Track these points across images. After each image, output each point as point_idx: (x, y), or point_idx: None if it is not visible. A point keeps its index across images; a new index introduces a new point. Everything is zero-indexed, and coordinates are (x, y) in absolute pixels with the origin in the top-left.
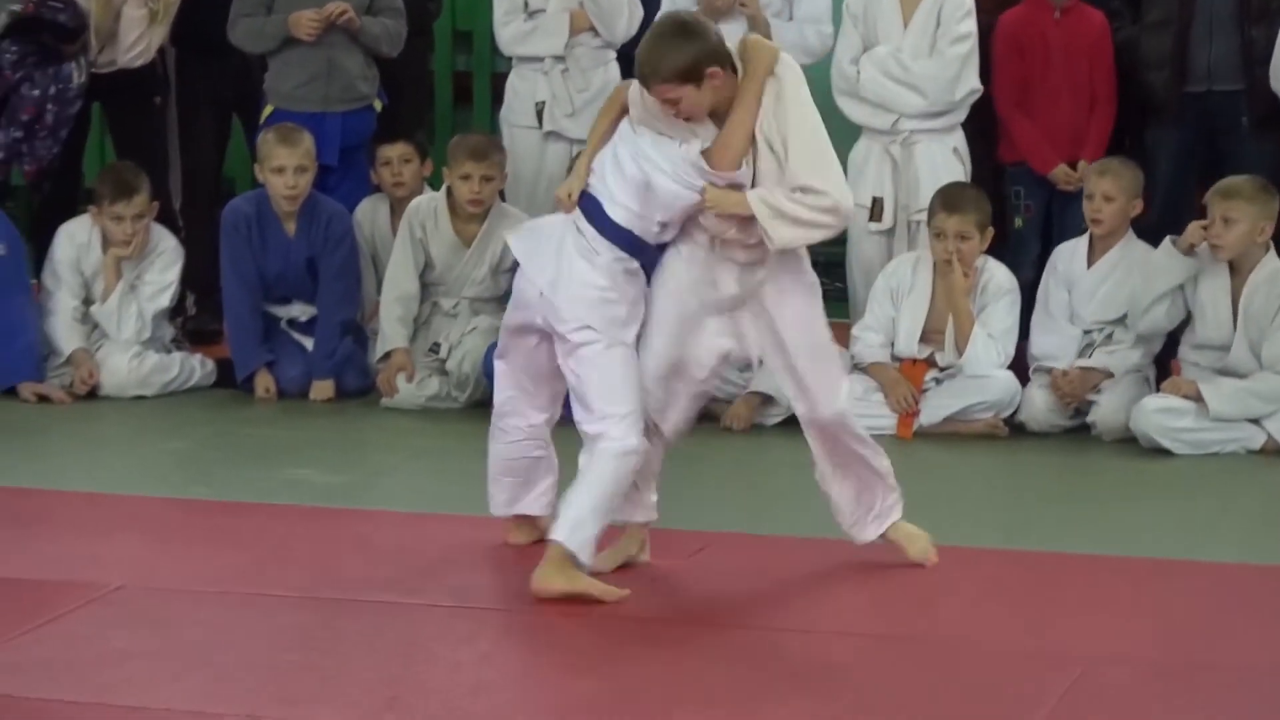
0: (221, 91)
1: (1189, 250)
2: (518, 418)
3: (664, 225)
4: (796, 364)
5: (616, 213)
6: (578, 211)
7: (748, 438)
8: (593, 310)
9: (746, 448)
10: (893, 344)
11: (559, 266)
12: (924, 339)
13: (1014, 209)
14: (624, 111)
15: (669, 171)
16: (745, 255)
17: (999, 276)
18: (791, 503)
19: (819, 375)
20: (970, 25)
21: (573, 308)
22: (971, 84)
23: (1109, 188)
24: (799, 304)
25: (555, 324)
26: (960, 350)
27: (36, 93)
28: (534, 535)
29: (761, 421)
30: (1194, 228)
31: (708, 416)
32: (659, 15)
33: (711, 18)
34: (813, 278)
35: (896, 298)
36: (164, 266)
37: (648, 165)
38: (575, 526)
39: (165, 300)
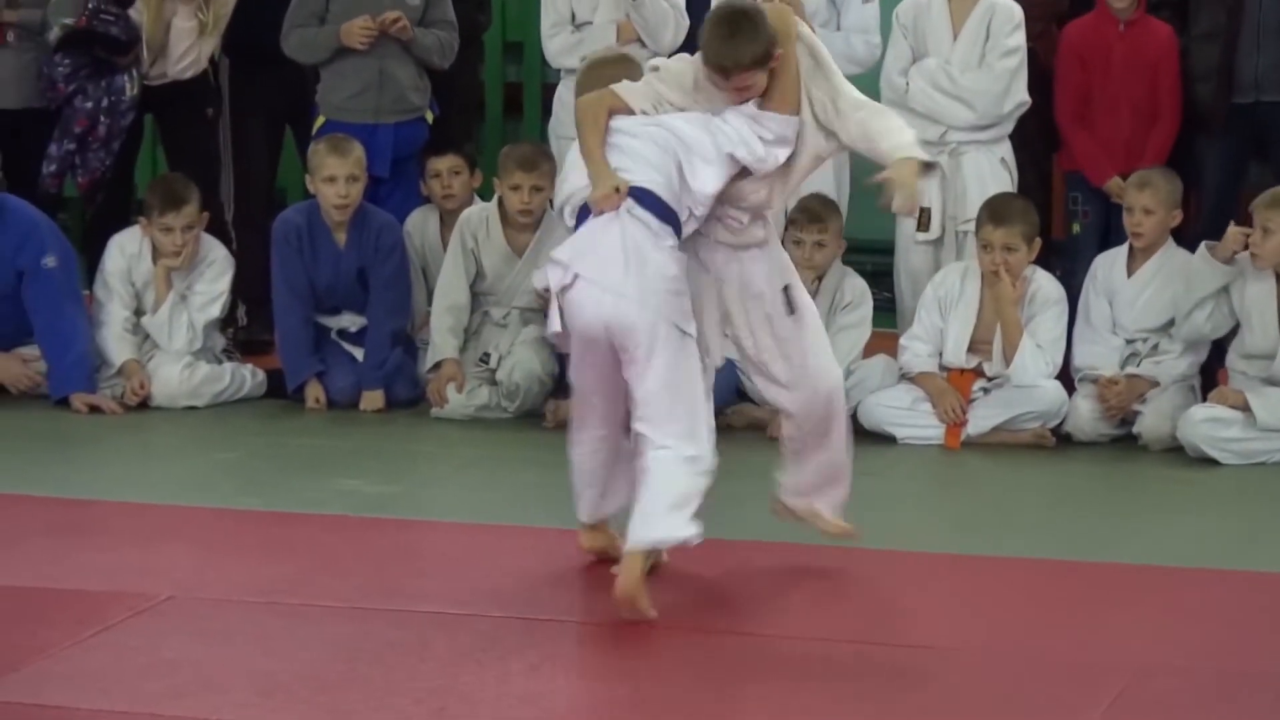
0: (274, 102)
1: (1229, 259)
2: (588, 430)
3: (693, 214)
4: (792, 338)
5: (664, 199)
6: (631, 203)
7: None
8: (667, 305)
9: None
10: (940, 354)
11: (629, 267)
12: (972, 349)
13: (1071, 214)
14: (611, 114)
15: (747, 140)
16: (733, 238)
17: (1047, 287)
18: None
19: (817, 348)
20: (1019, 38)
21: (647, 309)
22: (1020, 97)
23: (1148, 201)
24: (786, 280)
25: (627, 334)
26: (1008, 360)
27: (89, 105)
28: (605, 542)
29: None
30: (1234, 233)
31: (755, 426)
32: (715, 8)
33: None
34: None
35: (945, 307)
36: (214, 277)
37: (724, 141)
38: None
39: (216, 310)
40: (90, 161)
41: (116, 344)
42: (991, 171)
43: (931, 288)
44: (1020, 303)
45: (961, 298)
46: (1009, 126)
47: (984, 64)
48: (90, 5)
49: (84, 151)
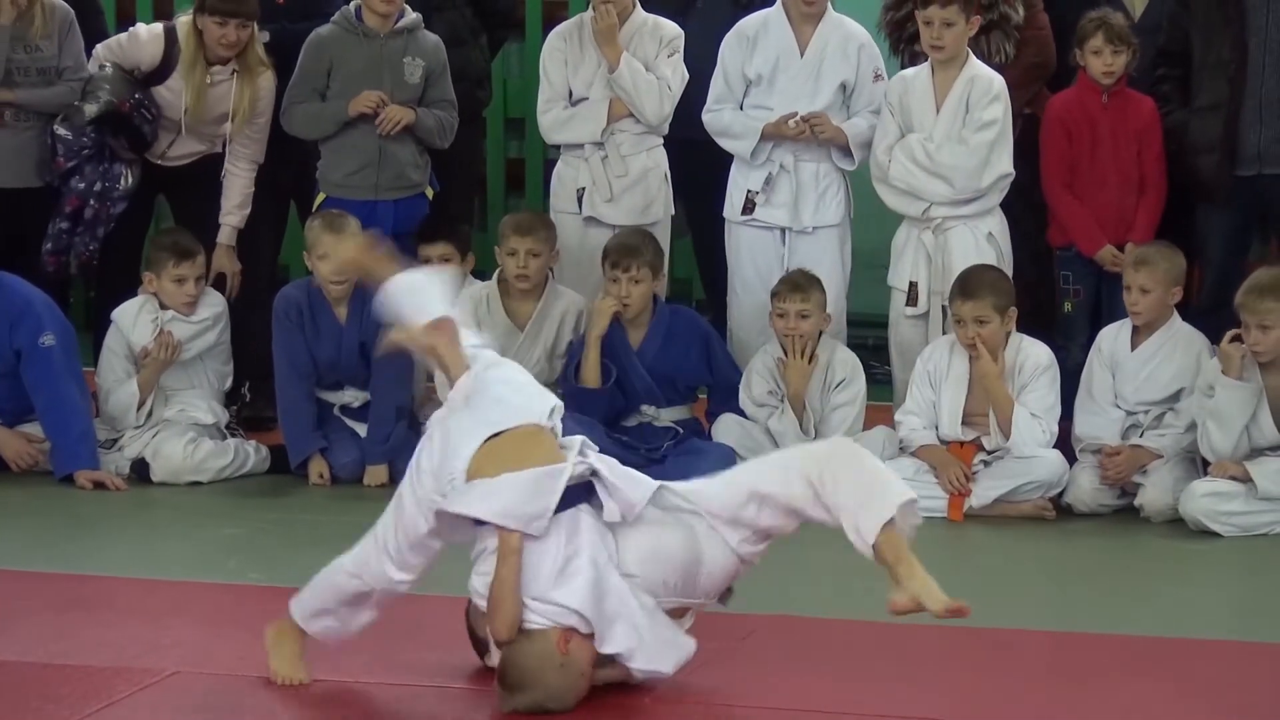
0: (279, 178)
1: (1241, 371)
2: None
3: None
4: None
5: None
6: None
7: None
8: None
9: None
10: (936, 427)
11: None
12: (968, 422)
13: (1063, 293)
14: None
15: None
16: None
17: (1035, 353)
18: (832, 585)
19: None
20: (997, 111)
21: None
22: (1000, 169)
23: (1145, 280)
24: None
25: None
26: (1005, 433)
27: (82, 185)
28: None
29: None
30: (1231, 351)
31: None
32: None
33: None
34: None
35: (935, 382)
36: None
37: None
38: None
39: (212, 338)
40: (77, 245)
41: (123, 401)
42: (977, 247)
43: (920, 362)
44: (1010, 374)
45: (950, 372)
46: (993, 199)
47: (961, 138)
48: (137, 95)
49: (73, 233)
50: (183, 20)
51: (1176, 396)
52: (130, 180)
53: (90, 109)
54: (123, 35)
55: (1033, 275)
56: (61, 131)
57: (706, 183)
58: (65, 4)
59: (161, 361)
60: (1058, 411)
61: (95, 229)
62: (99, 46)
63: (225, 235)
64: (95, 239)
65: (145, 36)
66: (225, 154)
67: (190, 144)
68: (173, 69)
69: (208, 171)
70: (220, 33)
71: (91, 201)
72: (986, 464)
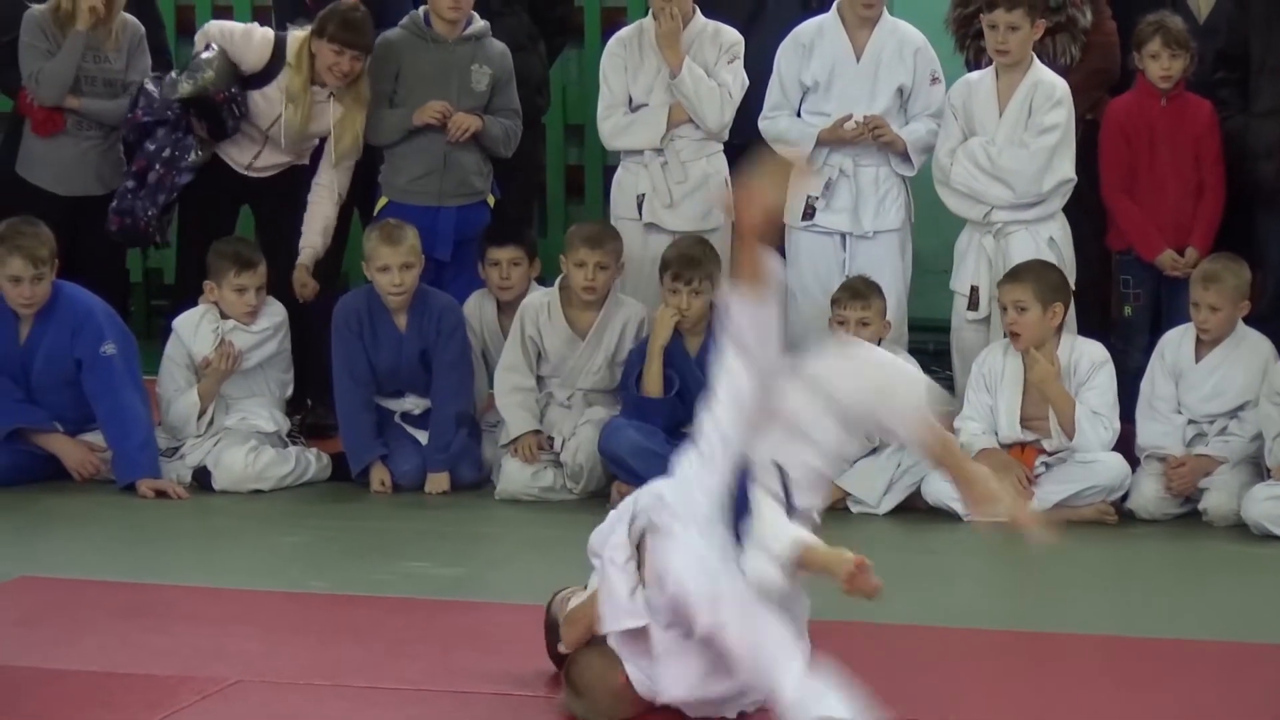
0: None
1: None
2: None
3: None
4: None
5: None
6: None
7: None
8: None
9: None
10: (996, 431)
11: None
12: (1026, 425)
13: (1123, 297)
14: None
15: None
16: None
17: (1089, 350)
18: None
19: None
20: (1059, 115)
21: None
22: (1062, 174)
23: (1214, 299)
24: None
25: None
26: (1068, 434)
27: (152, 148)
28: None
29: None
30: None
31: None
32: None
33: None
34: None
35: (990, 385)
36: (264, 320)
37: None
38: None
39: (273, 347)
40: (137, 208)
41: (184, 412)
42: (1038, 251)
43: (976, 366)
44: (1066, 373)
45: (1005, 374)
46: (1055, 204)
47: (1022, 141)
48: (234, 90)
49: (136, 194)
50: (295, 35)
51: (1243, 406)
52: (197, 156)
53: (185, 87)
54: (237, 26)
55: (1089, 279)
56: (150, 88)
57: None
58: (138, 20)
59: (222, 371)
60: (1117, 407)
61: (156, 194)
62: (210, 25)
63: (306, 258)
64: (155, 204)
65: (257, 39)
66: (312, 168)
67: (277, 155)
68: (272, 78)
69: (292, 184)
70: (334, 60)
71: (158, 166)
72: (1048, 466)
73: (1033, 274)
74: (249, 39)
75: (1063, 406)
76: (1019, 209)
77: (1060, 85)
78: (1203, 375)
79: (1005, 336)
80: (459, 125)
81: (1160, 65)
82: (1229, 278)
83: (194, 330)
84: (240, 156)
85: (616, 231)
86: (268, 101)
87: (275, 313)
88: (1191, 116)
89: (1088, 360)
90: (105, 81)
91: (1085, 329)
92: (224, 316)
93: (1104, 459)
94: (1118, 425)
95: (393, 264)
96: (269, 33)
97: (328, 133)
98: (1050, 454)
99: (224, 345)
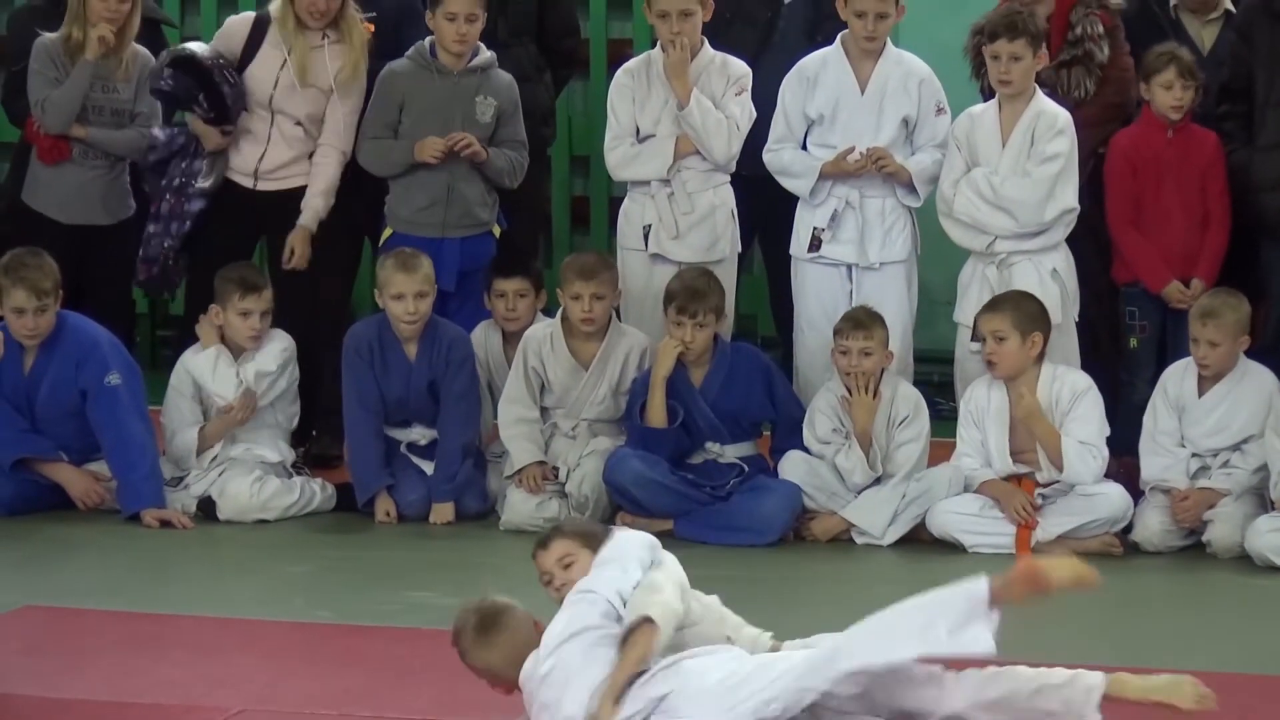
0: (354, 212)
1: None
2: None
3: None
4: None
5: None
6: None
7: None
8: None
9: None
10: (990, 465)
11: None
12: (1018, 459)
13: (1128, 329)
14: None
15: None
16: None
17: (1071, 380)
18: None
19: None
20: (1061, 145)
21: None
22: (1065, 203)
23: (1213, 334)
24: None
25: None
26: (1057, 465)
27: (163, 181)
28: None
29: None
30: None
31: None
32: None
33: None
34: None
35: (978, 420)
36: (274, 358)
37: None
38: None
39: (283, 384)
40: (151, 245)
41: (190, 442)
42: (1041, 282)
43: (964, 403)
44: (1049, 406)
45: (990, 408)
46: (1058, 234)
47: (1025, 171)
48: (221, 60)
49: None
50: (275, 2)
51: (1247, 440)
52: (207, 180)
53: (164, 59)
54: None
55: (1100, 312)
56: (157, 132)
57: (785, 219)
58: (149, 51)
59: (239, 421)
60: (1105, 433)
61: (170, 225)
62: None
63: (307, 219)
64: (170, 235)
65: (233, 21)
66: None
67: (282, 150)
68: (256, 52)
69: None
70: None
71: (168, 196)
72: (1046, 498)
73: (1011, 304)
74: (226, 29)
75: (1049, 441)
76: (1022, 239)
77: (1063, 115)
78: (1206, 410)
79: (985, 375)
80: (460, 141)
81: (1173, 96)
82: (1228, 313)
83: (211, 372)
84: (247, 161)
85: (610, 260)
86: (263, 68)
87: (284, 348)
88: (1197, 148)
89: (1069, 390)
90: (113, 111)
91: (1095, 361)
92: (226, 343)
93: (1105, 491)
94: (1106, 453)
95: (407, 292)
96: (247, 14)
97: (331, 89)
98: (1044, 485)
99: (248, 396)
